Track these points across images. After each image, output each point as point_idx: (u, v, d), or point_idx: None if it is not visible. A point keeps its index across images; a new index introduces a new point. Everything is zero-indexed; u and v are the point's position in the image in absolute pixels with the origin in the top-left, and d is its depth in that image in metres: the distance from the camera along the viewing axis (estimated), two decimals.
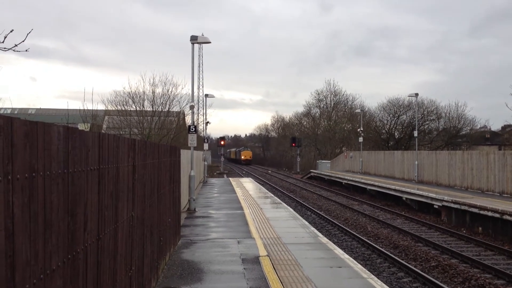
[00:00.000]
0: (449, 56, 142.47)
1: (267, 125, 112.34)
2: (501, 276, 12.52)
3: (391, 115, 60.82)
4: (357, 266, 9.85)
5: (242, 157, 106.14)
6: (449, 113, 58.26)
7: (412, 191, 26.33)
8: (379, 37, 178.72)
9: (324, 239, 12.94)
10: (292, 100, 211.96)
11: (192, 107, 20.74)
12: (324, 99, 73.54)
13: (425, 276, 12.17)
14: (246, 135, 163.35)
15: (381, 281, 9.30)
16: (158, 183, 8.49)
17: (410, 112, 57.56)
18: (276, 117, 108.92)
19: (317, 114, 75.94)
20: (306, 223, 16.08)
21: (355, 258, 12.70)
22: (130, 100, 34.05)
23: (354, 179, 37.91)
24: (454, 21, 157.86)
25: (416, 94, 36.16)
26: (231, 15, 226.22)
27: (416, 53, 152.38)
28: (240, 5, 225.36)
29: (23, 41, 6.88)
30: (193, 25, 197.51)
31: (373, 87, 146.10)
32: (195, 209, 18.83)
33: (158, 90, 34.40)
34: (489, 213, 18.31)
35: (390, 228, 20.40)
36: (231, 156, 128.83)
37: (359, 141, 46.41)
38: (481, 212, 18.85)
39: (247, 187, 32.23)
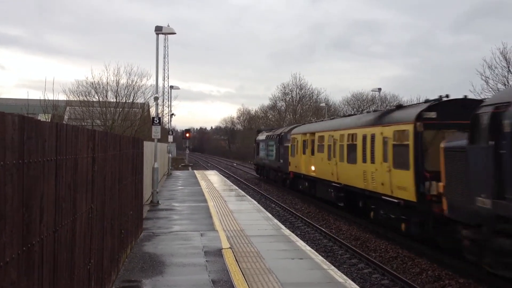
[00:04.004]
0: (427, 52, 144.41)
1: (233, 118, 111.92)
2: None
3: (354, 109, 61.79)
4: (318, 258, 10.01)
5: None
6: None
7: None
8: (361, 32, 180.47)
9: (287, 231, 13.08)
10: (264, 93, 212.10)
11: (156, 99, 20.54)
12: (290, 92, 74.01)
13: (384, 267, 12.47)
14: (212, 127, 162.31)
15: (341, 272, 9.47)
16: (119, 175, 8.39)
17: (373, 107, 58.60)
18: (242, 109, 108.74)
19: (283, 108, 76.33)
20: (270, 215, 16.21)
21: (316, 250, 12.87)
22: (92, 90, 33.39)
23: None
24: (437, 17, 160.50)
25: (379, 89, 36.82)
26: (210, 6, 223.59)
27: (393, 49, 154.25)
28: None
29: None
30: (171, 15, 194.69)
31: (347, 82, 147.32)
32: (158, 201, 18.69)
33: (123, 81, 33.87)
34: None
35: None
36: (259, 157, 41.83)
37: None
38: None
39: (212, 179, 32.17)
